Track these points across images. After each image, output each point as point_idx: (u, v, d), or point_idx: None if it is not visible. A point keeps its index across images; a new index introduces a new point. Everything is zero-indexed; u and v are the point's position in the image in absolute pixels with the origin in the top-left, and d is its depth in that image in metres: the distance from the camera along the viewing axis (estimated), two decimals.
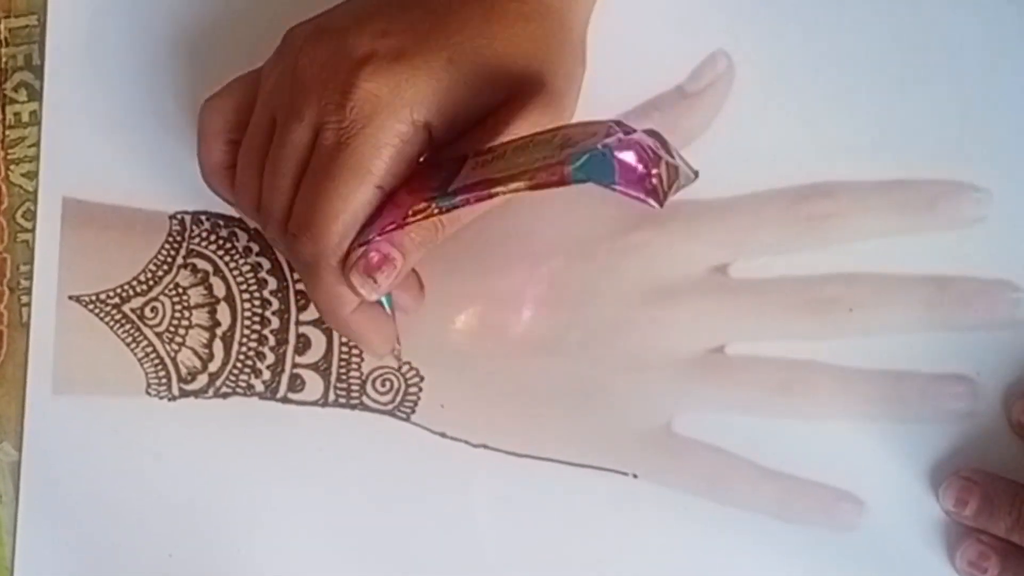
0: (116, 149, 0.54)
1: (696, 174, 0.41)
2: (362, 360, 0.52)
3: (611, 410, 0.51)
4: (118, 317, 0.52)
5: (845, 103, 0.51)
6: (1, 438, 0.53)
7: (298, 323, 0.52)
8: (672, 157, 0.40)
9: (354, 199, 0.43)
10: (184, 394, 0.52)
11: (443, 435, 0.51)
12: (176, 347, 0.52)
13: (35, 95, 0.54)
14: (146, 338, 0.52)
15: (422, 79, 0.43)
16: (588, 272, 0.51)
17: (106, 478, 0.52)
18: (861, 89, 0.51)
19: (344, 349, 0.52)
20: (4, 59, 0.55)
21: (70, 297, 0.53)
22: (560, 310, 0.51)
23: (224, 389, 0.52)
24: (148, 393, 0.52)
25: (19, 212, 0.54)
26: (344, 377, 0.51)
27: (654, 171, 0.39)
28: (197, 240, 0.53)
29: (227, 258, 0.53)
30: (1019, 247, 0.50)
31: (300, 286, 0.52)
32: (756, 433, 0.50)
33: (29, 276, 0.53)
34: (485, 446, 0.51)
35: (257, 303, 0.52)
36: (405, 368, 0.51)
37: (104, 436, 0.52)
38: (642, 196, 0.38)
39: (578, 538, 0.50)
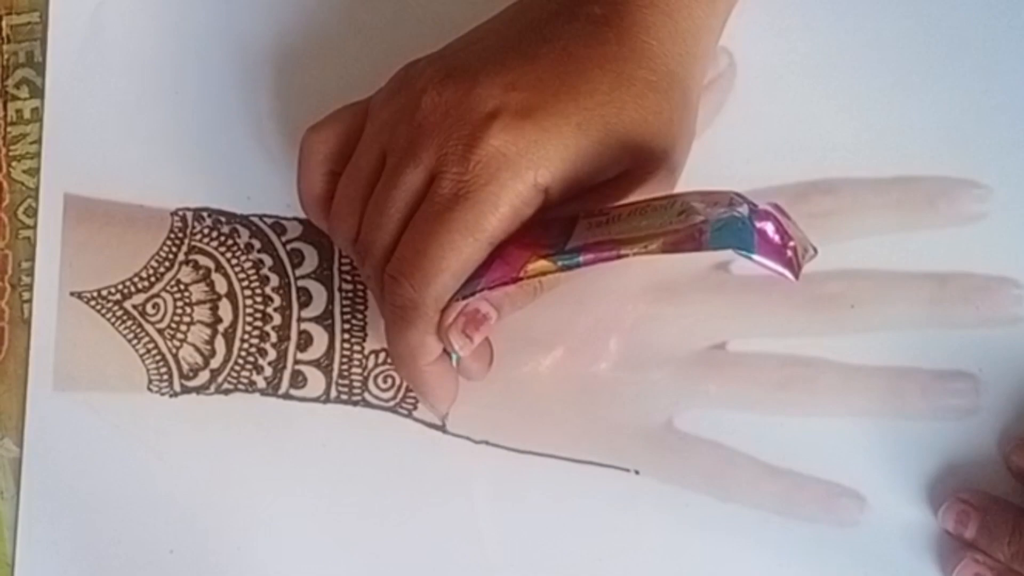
0: (118, 146, 0.54)
1: (816, 251, 0.40)
2: (364, 356, 0.52)
3: (612, 406, 0.51)
4: (120, 313, 0.52)
5: (846, 101, 0.52)
6: (2, 434, 0.53)
7: (300, 319, 0.52)
8: (797, 229, 0.40)
9: (465, 254, 0.42)
10: (186, 390, 0.52)
11: (445, 431, 0.51)
12: (178, 343, 0.52)
13: (37, 92, 0.54)
14: (148, 334, 0.52)
15: (550, 142, 0.42)
16: (590, 268, 0.51)
17: (107, 474, 0.52)
18: (862, 86, 0.52)
19: (346, 346, 0.52)
20: (6, 56, 0.55)
21: (72, 293, 0.53)
22: (561, 307, 0.51)
23: (226, 385, 0.52)
24: (150, 389, 0.52)
25: (21, 209, 0.54)
26: (346, 373, 0.51)
27: (791, 243, 0.39)
28: (199, 237, 0.53)
29: (229, 255, 0.53)
30: (1020, 244, 0.50)
31: (302, 283, 0.52)
32: (757, 429, 0.50)
33: (30, 272, 0.53)
34: (487, 442, 0.51)
35: (259, 299, 0.52)
36: None
37: (105, 432, 0.52)
38: (780, 268, 0.38)
39: (579, 535, 0.50)
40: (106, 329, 0.52)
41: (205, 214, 0.53)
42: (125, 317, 0.52)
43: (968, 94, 0.51)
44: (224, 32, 0.54)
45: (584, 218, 0.43)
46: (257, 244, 0.53)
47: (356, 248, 0.46)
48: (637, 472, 0.50)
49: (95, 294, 0.53)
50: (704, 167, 0.51)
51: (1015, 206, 0.50)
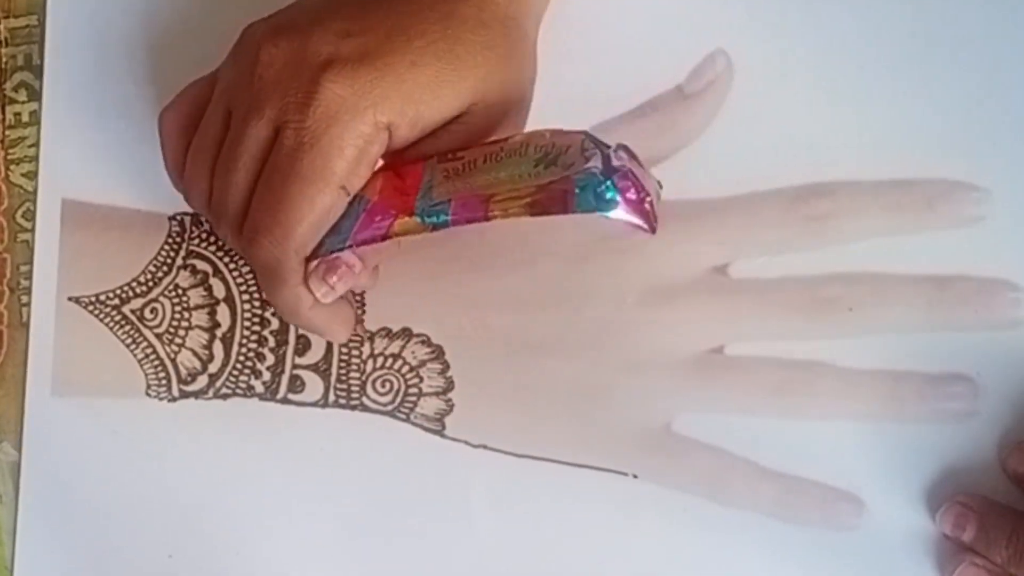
0: (116, 150, 0.54)
1: (661, 185, 0.42)
2: (362, 361, 0.52)
3: (611, 410, 0.51)
4: (118, 318, 0.52)
5: (844, 103, 0.51)
6: (1, 439, 0.53)
7: None
8: (647, 175, 0.41)
9: (319, 202, 0.43)
10: (184, 395, 0.52)
11: (443, 436, 0.51)
12: (176, 348, 0.52)
13: (35, 95, 0.54)
14: (146, 339, 0.52)
15: (386, 81, 0.43)
16: (587, 272, 0.51)
17: (106, 479, 0.52)
18: (860, 89, 0.51)
19: (344, 350, 0.52)
20: (4, 59, 0.55)
21: (70, 298, 0.53)
22: (560, 310, 0.51)
23: (224, 390, 0.52)
24: (148, 394, 0.52)
25: (19, 212, 0.54)
26: (344, 378, 0.52)
27: (648, 198, 0.40)
28: (196, 241, 0.53)
29: (227, 259, 0.53)
30: (1018, 246, 0.50)
31: None
32: (756, 433, 0.50)
33: (29, 276, 0.53)
34: (485, 446, 0.51)
35: (257, 304, 0.52)
36: (402, 366, 0.51)
37: (104, 437, 0.52)
38: (639, 222, 0.40)
39: (577, 539, 0.50)
40: (104, 334, 0.52)
41: (203, 219, 0.53)
42: (123, 322, 0.52)
43: (967, 97, 0.51)
44: (222, 36, 0.54)
45: (440, 163, 0.43)
46: None
47: (211, 210, 0.46)
48: (635, 476, 0.50)
49: (93, 299, 0.53)
50: (702, 169, 0.51)
51: (1013, 209, 0.50)
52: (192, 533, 0.51)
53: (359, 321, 0.49)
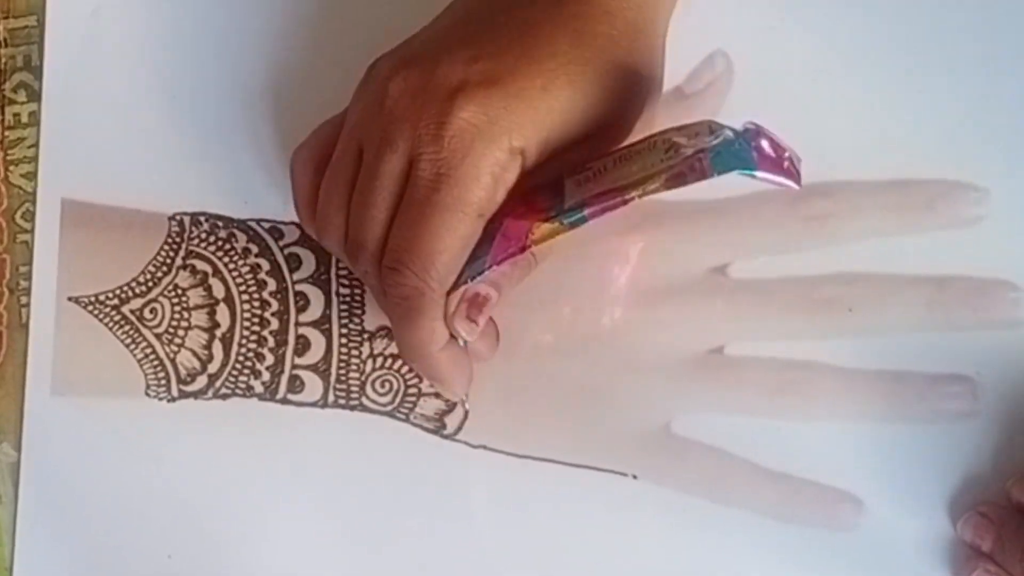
0: (115, 150, 0.54)
1: (799, 157, 0.42)
2: (362, 361, 0.52)
3: (610, 411, 0.51)
4: (117, 318, 0.52)
5: (844, 103, 0.52)
6: (0, 439, 0.53)
7: (297, 324, 0.52)
8: (782, 140, 0.41)
9: (459, 232, 0.43)
10: (183, 395, 0.52)
11: (443, 436, 0.51)
12: (175, 348, 0.52)
13: (34, 96, 0.54)
14: (145, 339, 0.52)
15: (518, 106, 0.42)
16: (587, 272, 0.51)
17: (105, 479, 0.52)
18: (859, 89, 0.51)
19: (343, 350, 0.52)
20: (3, 60, 0.55)
21: (69, 298, 0.53)
22: (559, 310, 0.51)
23: (223, 390, 0.52)
24: (147, 394, 0.52)
25: (18, 213, 0.54)
26: (343, 378, 0.51)
27: (786, 154, 0.40)
28: (196, 241, 0.53)
29: (226, 259, 0.53)
30: (1018, 246, 0.50)
31: (300, 287, 0.52)
32: (755, 434, 0.50)
33: (28, 277, 0.53)
34: (484, 447, 0.51)
35: (256, 304, 0.52)
36: (401, 366, 0.51)
37: (103, 437, 0.52)
38: (783, 180, 0.39)
39: (577, 539, 0.50)
40: (104, 334, 0.52)
41: (202, 218, 0.53)
42: (123, 322, 0.52)
43: (967, 97, 0.51)
44: (221, 37, 0.54)
45: (569, 176, 0.43)
46: (254, 248, 0.53)
47: (347, 248, 0.46)
48: (635, 476, 0.50)
49: (93, 299, 0.53)
50: None
51: (1013, 209, 0.50)
52: (192, 533, 0.51)
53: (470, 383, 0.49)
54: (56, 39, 0.54)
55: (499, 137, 0.42)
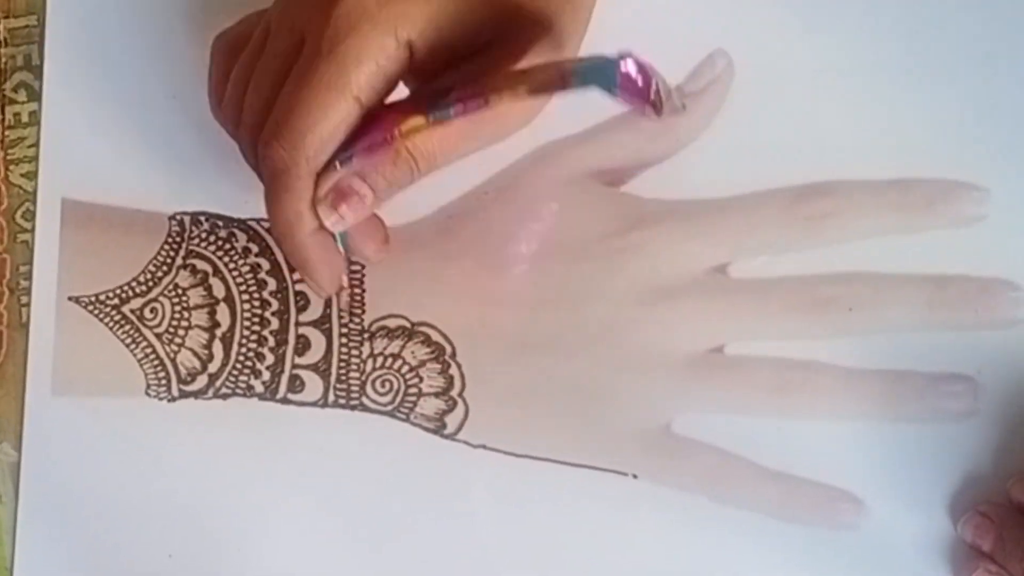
0: (115, 149, 0.54)
1: (684, 106, 0.43)
2: (362, 361, 0.52)
3: (610, 410, 0.51)
4: (117, 318, 0.52)
5: (844, 102, 0.52)
6: (1, 439, 0.53)
7: (298, 324, 0.52)
8: (664, 81, 0.41)
9: (333, 110, 0.42)
10: (184, 395, 0.52)
11: (443, 435, 0.51)
12: (176, 348, 0.52)
13: (34, 95, 0.54)
14: (145, 339, 0.52)
15: None
16: (587, 272, 0.51)
17: (105, 479, 0.52)
18: (860, 88, 0.51)
19: (344, 350, 0.52)
20: (3, 59, 0.55)
21: (70, 298, 0.53)
22: (559, 310, 0.51)
23: (224, 390, 0.52)
24: (147, 394, 0.52)
25: (19, 213, 0.54)
26: (344, 378, 0.51)
27: (653, 82, 0.39)
28: (196, 241, 0.53)
29: (226, 259, 0.53)
30: (1019, 246, 0.50)
31: (300, 286, 0.52)
32: (756, 433, 0.50)
33: (28, 277, 0.53)
34: (484, 446, 0.51)
35: (256, 304, 0.52)
36: (401, 366, 0.51)
37: (104, 437, 0.52)
38: (641, 104, 0.39)
39: (577, 539, 0.50)
40: (104, 334, 0.52)
41: (203, 218, 0.53)
42: (123, 321, 0.52)
43: (967, 96, 0.51)
44: None
45: (462, 85, 0.43)
46: (255, 248, 0.53)
47: (240, 127, 0.46)
48: (635, 476, 0.50)
49: (93, 298, 0.53)
50: (702, 169, 0.51)
51: (1013, 208, 0.50)
52: (192, 533, 0.51)
53: (346, 288, 0.49)
54: (56, 38, 0.54)
55: (385, 23, 0.42)
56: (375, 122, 0.43)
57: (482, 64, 0.43)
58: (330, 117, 0.42)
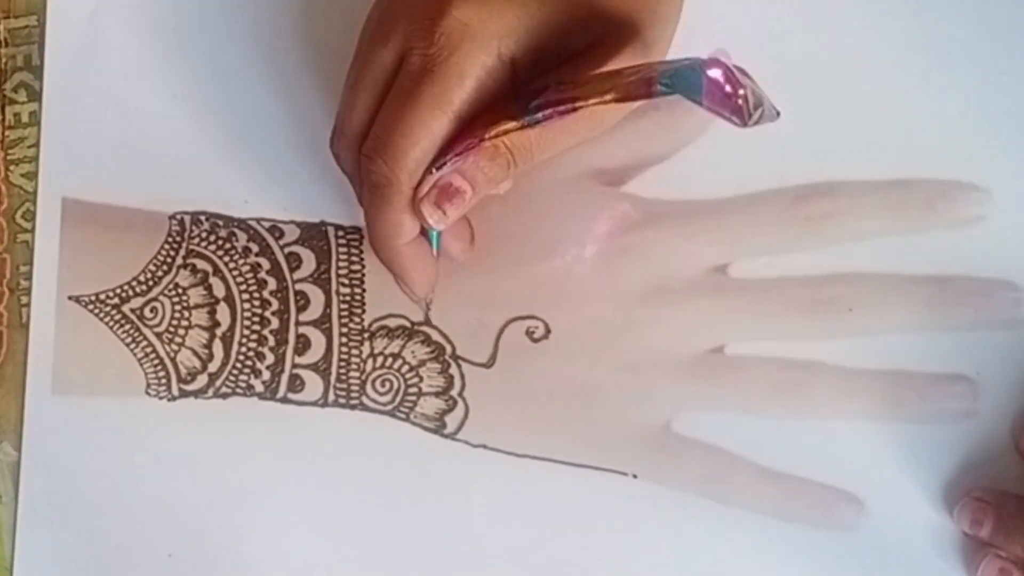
0: (116, 149, 0.54)
1: (778, 113, 0.41)
2: (362, 360, 0.52)
3: (611, 410, 0.51)
4: (118, 317, 0.52)
5: (845, 103, 0.51)
6: (1, 438, 0.53)
7: (298, 323, 0.52)
8: (757, 88, 0.40)
9: (434, 128, 0.43)
10: (184, 394, 0.52)
11: (443, 435, 0.51)
12: (176, 347, 0.52)
13: (35, 95, 0.54)
14: (146, 338, 0.52)
15: (512, 12, 0.43)
16: (587, 272, 0.51)
17: (106, 478, 0.52)
18: (860, 89, 0.51)
19: (344, 350, 0.52)
20: (4, 60, 0.55)
21: (70, 297, 0.53)
22: (559, 310, 0.51)
23: (224, 389, 0.52)
24: (148, 393, 0.52)
25: (19, 213, 0.54)
26: (344, 377, 0.51)
27: (740, 91, 0.39)
28: (196, 240, 0.53)
29: (226, 258, 0.53)
30: (1019, 247, 0.50)
31: (300, 286, 0.52)
32: (756, 433, 0.50)
33: (29, 276, 0.53)
34: (484, 446, 0.51)
35: (257, 303, 0.52)
36: (401, 366, 0.51)
37: (103, 436, 0.52)
38: (727, 114, 0.39)
39: (577, 539, 0.50)
40: (104, 333, 0.52)
41: (203, 218, 0.53)
42: (123, 321, 0.52)
43: (967, 96, 0.51)
44: (221, 36, 0.54)
45: (553, 87, 0.43)
46: (255, 248, 0.53)
47: (334, 135, 0.47)
48: (635, 476, 0.50)
49: (93, 298, 0.53)
50: (702, 169, 0.51)
51: (1014, 209, 0.50)
52: (192, 532, 0.51)
53: (432, 296, 0.49)
54: (56, 39, 0.54)
55: (489, 41, 0.43)
56: (468, 128, 0.43)
57: (572, 70, 0.44)
58: (430, 134, 0.43)
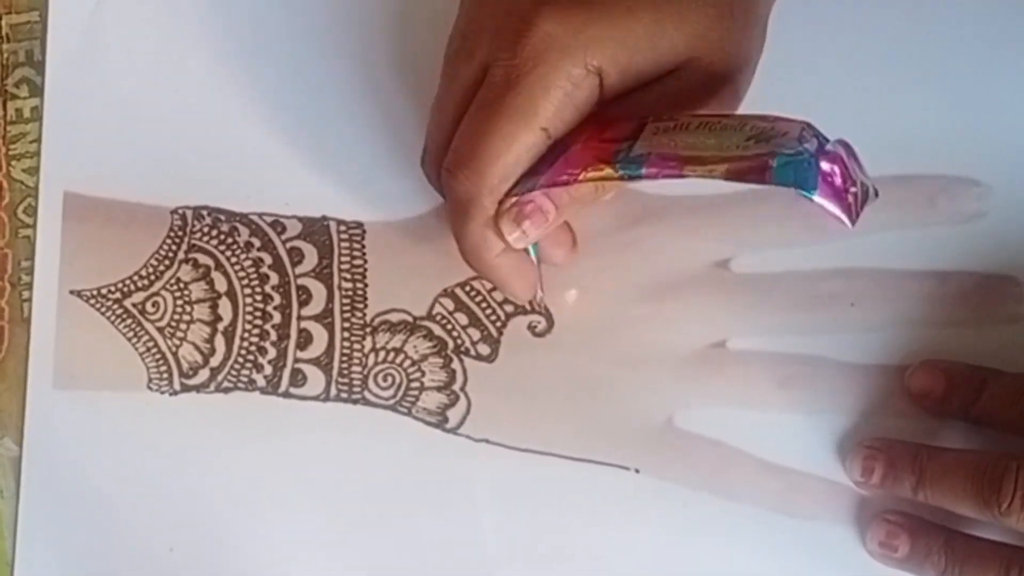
0: (117, 144, 0.54)
1: (877, 193, 0.40)
2: (364, 355, 0.52)
3: (613, 405, 0.51)
4: (119, 312, 0.52)
5: (845, 100, 0.52)
6: (2, 433, 0.53)
7: (300, 318, 0.52)
8: (861, 172, 0.40)
9: (518, 141, 0.42)
10: (185, 389, 0.52)
11: (445, 430, 0.51)
12: (178, 342, 0.52)
13: (36, 91, 0.54)
14: (147, 333, 0.52)
15: (600, 24, 0.42)
16: (590, 267, 0.51)
17: (107, 473, 0.52)
18: (861, 85, 0.52)
19: (346, 344, 0.52)
20: (5, 55, 0.55)
21: (71, 292, 0.53)
22: (561, 305, 0.51)
23: (225, 384, 0.52)
24: (149, 388, 0.52)
25: (20, 208, 0.54)
26: (346, 372, 0.51)
27: (852, 188, 0.38)
28: (198, 235, 0.53)
29: (228, 253, 0.53)
30: (1020, 242, 0.50)
31: (302, 281, 0.52)
32: (757, 428, 0.50)
33: (30, 271, 0.53)
34: (487, 441, 0.51)
35: (259, 298, 0.52)
36: (403, 360, 0.51)
37: (105, 431, 0.52)
38: (838, 212, 0.38)
39: (579, 533, 0.50)
40: (106, 327, 0.52)
41: (205, 212, 0.53)
42: (125, 315, 0.52)
43: (968, 94, 0.51)
44: (223, 30, 0.54)
45: (654, 120, 0.42)
46: (257, 242, 0.53)
47: (425, 151, 0.46)
48: (637, 471, 0.50)
49: (95, 292, 0.53)
50: None
51: (1015, 204, 0.50)
52: (193, 527, 0.51)
53: (543, 293, 0.49)
54: (58, 34, 0.55)
55: (575, 52, 0.42)
56: (561, 155, 0.42)
57: (663, 100, 0.43)
58: (514, 148, 0.42)
